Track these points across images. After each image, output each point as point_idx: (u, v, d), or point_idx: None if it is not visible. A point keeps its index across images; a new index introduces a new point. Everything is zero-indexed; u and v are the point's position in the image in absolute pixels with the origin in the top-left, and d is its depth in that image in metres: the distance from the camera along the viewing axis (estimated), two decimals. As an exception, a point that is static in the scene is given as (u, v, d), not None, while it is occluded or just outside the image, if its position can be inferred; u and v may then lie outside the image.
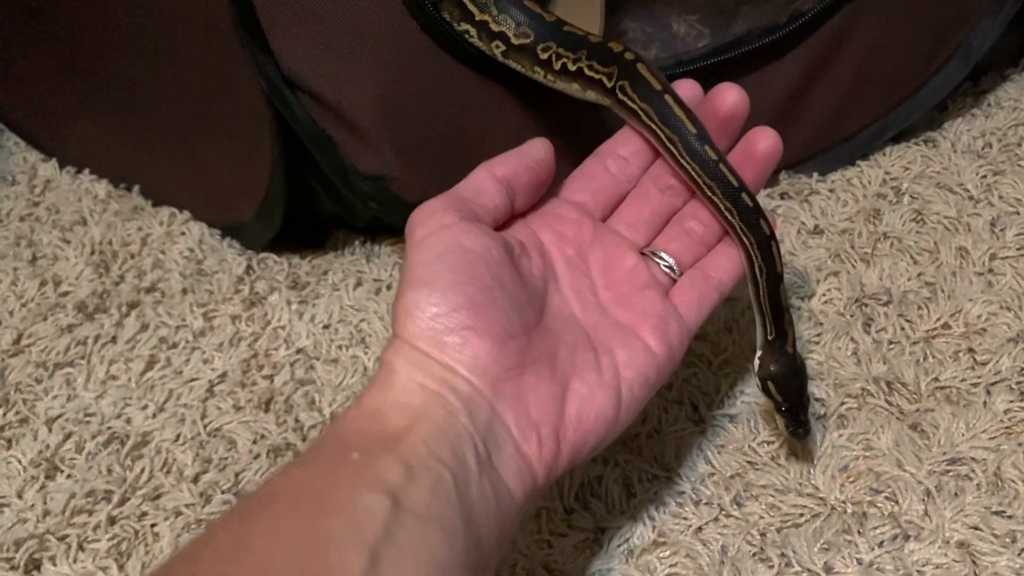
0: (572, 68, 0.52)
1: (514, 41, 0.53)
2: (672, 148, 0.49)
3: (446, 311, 0.41)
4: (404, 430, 0.38)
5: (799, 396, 0.50)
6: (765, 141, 0.50)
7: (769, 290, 0.49)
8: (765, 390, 0.50)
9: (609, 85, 0.51)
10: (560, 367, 0.44)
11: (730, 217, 0.49)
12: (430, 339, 0.41)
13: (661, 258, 0.49)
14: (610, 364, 0.45)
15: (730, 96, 0.49)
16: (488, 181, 0.46)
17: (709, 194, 0.49)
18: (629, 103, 0.50)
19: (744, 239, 0.49)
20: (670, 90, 0.49)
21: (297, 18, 0.53)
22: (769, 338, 0.50)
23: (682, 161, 0.48)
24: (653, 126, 0.49)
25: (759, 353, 0.50)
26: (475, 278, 0.41)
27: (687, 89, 0.50)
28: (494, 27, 0.54)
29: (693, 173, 0.48)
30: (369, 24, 0.54)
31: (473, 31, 0.54)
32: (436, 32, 0.55)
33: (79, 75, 0.68)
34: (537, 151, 0.47)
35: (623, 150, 0.51)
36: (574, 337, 0.45)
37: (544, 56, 0.53)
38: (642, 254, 0.49)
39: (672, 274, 0.49)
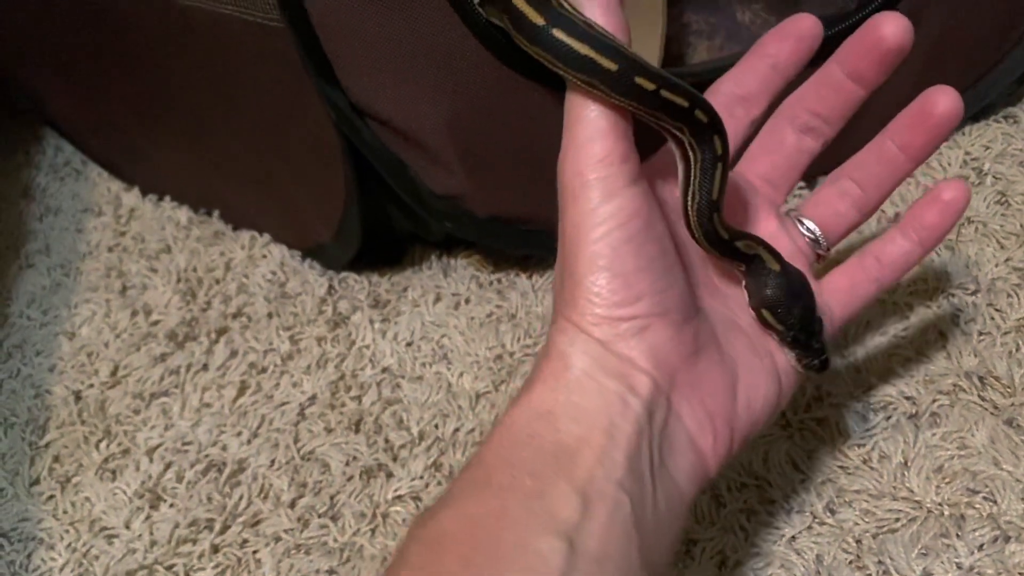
0: None
1: None
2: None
3: (631, 299, 0.38)
4: (578, 443, 0.36)
5: (805, 320, 0.44)
6: (944, 103, 0.45)
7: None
8: (763, 321, 0.44)
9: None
10: (725, 351, 0.42)
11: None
12: (609, 328, 0.38)
13: (805, 225, 0.46)
14: (764, 349, 0.43)
15: (889, 26, 0.43)
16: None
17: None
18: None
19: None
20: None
21: (361, 47, 0.54)
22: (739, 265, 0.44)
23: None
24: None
25: (743, 282, 0.44)
26: (655, 259, 0.39)
27: (805, 23, 0.45)
28: None
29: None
30: (433, 47, 0.55)
31: None
32: (499, 48, 0.55)
33: (157, 107, 0.70)
34: None
35: (742, 90, 0.46)
36: (721, 315, 0.43)
37: None
38: (787, 215, 0.46)
39: (817, 248, 0.47)
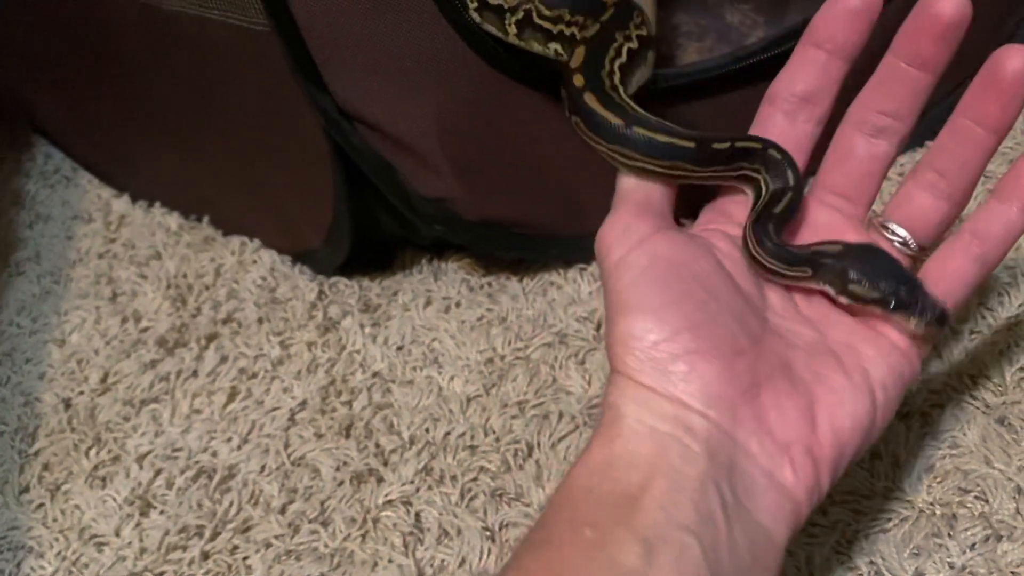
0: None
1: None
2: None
3: (667, 336, 0.38)
4: (638, 490, 0.35)
5: (899, 278, 0.41)
6: (1016, 61, 0.41)
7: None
8: (858, 298, 0.41)
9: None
10: (799, 376, 0.40)
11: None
12: (653, 371, 0.38)
13: (890, 230, 0.43)
14: (855, 363, 0.41)
15: (944, 1, 0.41)
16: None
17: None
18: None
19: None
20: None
21: (349, 52, 0.54)
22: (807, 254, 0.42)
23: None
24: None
25: (819, 283, 0.42)
26: (688, 293, 0.38)
27: None
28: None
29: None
30: (420, 50, 0.55)
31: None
32: (487, 51, 0.55)
33: (145, 113, 0.70)
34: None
35: (801, 86, 0.44)
36: (806, 339, 0.41)
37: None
38: (872, 224, 0.44)
39: (907, 250, 0.43)
